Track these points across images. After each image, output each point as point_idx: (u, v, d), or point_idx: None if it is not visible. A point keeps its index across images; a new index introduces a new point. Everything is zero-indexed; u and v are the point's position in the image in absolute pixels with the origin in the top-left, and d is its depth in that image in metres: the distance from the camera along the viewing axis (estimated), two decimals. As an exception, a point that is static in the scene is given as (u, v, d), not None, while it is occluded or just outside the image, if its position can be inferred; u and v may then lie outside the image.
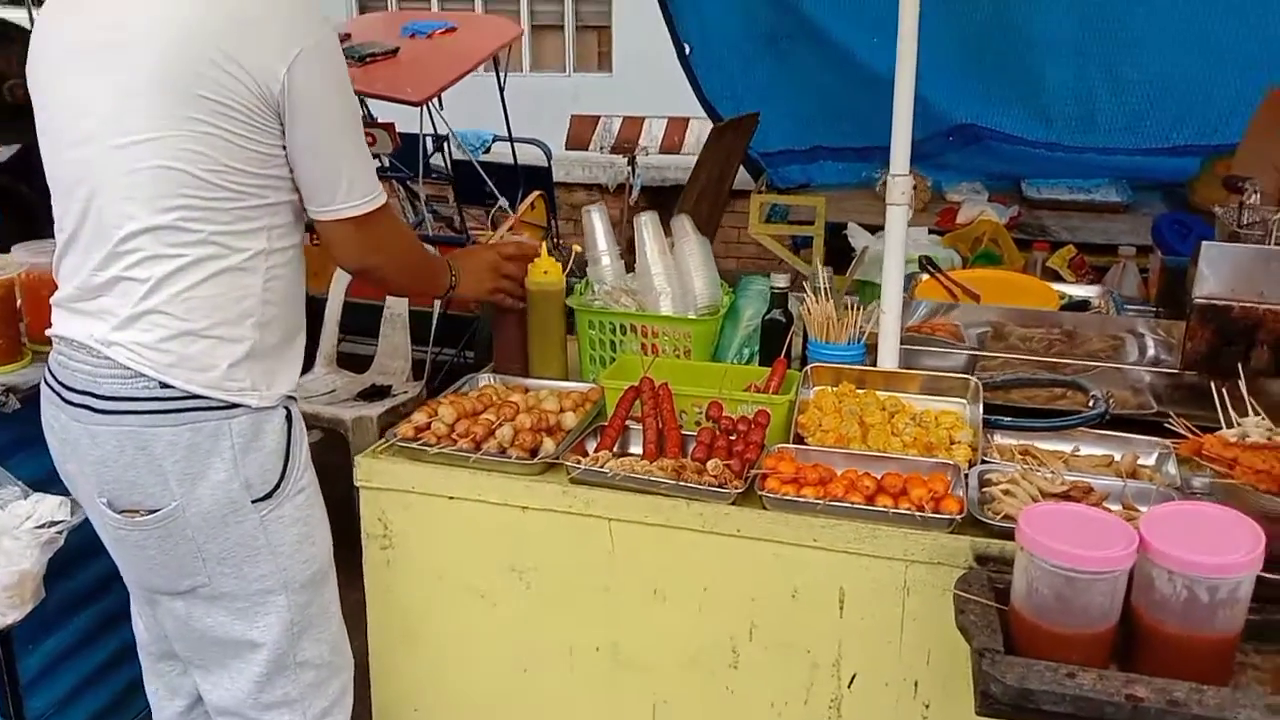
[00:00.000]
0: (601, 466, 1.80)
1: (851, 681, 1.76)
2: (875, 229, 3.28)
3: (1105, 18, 3.40)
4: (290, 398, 1.72)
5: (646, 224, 2.21)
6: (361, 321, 3.71)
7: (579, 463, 1.81)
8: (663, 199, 6.61)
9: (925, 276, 2.63)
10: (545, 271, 2.18)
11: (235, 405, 1.61)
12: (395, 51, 4.20)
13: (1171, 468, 1.84)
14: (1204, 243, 1.89)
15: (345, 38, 4.24)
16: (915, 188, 3.94)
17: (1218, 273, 1.89)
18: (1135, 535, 1.35)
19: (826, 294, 2.15)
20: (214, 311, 1.58)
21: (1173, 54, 3.43)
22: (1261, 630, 1.45)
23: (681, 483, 1.73)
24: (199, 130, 1.50)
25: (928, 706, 1.74)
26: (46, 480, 2.13)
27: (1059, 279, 3.28)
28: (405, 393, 3.56)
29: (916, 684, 1.73)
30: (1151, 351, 2.36)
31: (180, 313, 1.56)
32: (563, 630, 1.90)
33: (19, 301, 2.17)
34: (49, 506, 2.05)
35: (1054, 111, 3.75)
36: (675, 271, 2.25)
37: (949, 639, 1.66)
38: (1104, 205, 3.95)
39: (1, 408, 2.04)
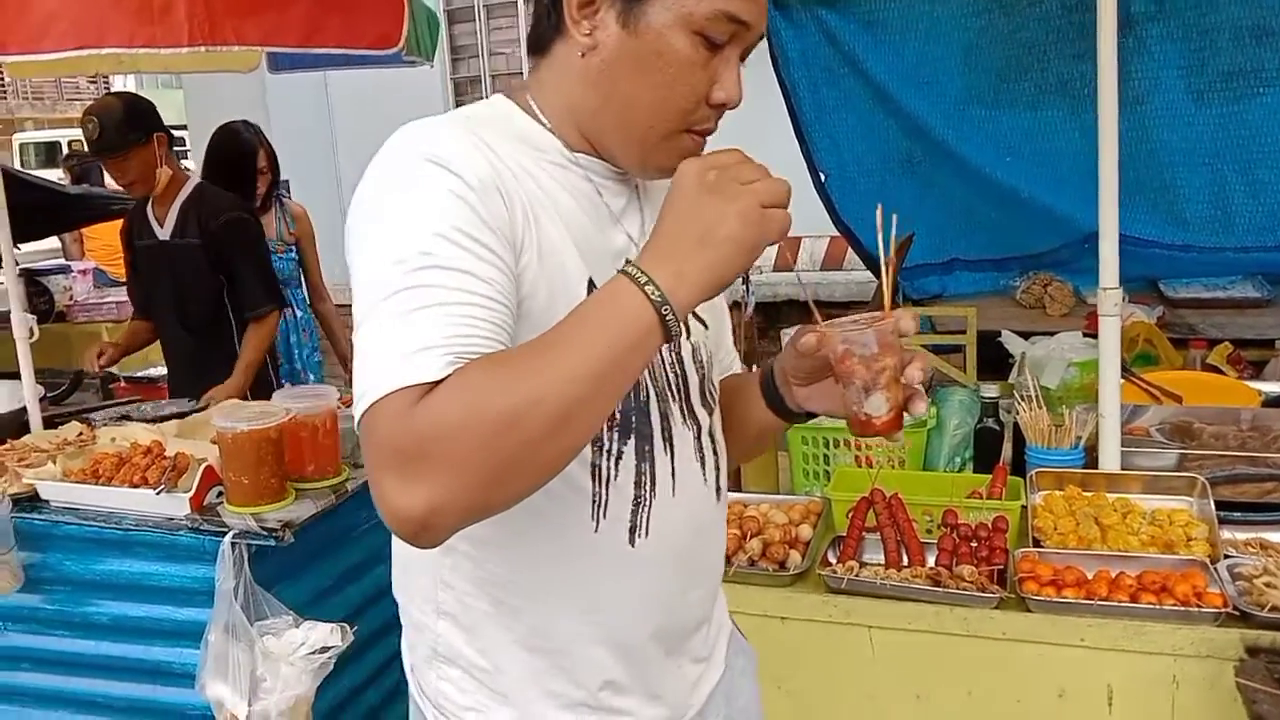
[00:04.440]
0: (859, 576, 1.90)
1: (1123, 779, 1.80)
2: (1026, 335, 3.40)
3: (1238, 126, 3.54)
4: None
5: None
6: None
7: (835, 572, 1.92)
8: (772, 314, 6.79)
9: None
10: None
11: None
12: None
13: None
14: None
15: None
16: (1058, 293, 4.07)
17: None
18: None
19: (1038, 401, 2.26)
20: None
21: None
22: None
23: (945, 588, 1.82)
24: None
25: (1203, 802, 1.76)
26: (307, 605, 2.30)
27: (1221, 375, 3.34)
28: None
29: (1191, 779, 1.76)
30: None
31: None
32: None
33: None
34: (321, 633, 2.20)
35: (1190, 214, 3.84)
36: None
37: (1222, 732, 1.71)
38: (1244, 301, 4.00)
39: (279, 541, 2.22)
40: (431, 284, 0.94)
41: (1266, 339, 3.59)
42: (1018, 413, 2.27)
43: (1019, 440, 2.36)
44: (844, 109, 3.96)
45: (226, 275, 3.51)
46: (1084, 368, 2.92)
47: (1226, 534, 2.02)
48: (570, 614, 1.18)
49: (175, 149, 3.57)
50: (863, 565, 2.01)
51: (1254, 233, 3.86)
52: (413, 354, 0.90)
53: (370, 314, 0.95)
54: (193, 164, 7.45)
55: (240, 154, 4.07)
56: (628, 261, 0.97)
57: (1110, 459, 2.14)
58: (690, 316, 1.23)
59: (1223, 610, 1.70)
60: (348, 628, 2.21)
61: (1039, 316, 4.06)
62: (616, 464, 1.16)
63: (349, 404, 2.38)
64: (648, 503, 1.18)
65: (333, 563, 2.50)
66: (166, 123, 3.48)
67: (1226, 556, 1.90)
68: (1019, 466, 2.30)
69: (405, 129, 1.07)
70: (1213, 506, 2.02)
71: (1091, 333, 3.71)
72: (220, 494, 2.36)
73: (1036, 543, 2.00)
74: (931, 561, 1.97)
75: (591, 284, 1.11)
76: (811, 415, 1.30)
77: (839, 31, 3.78)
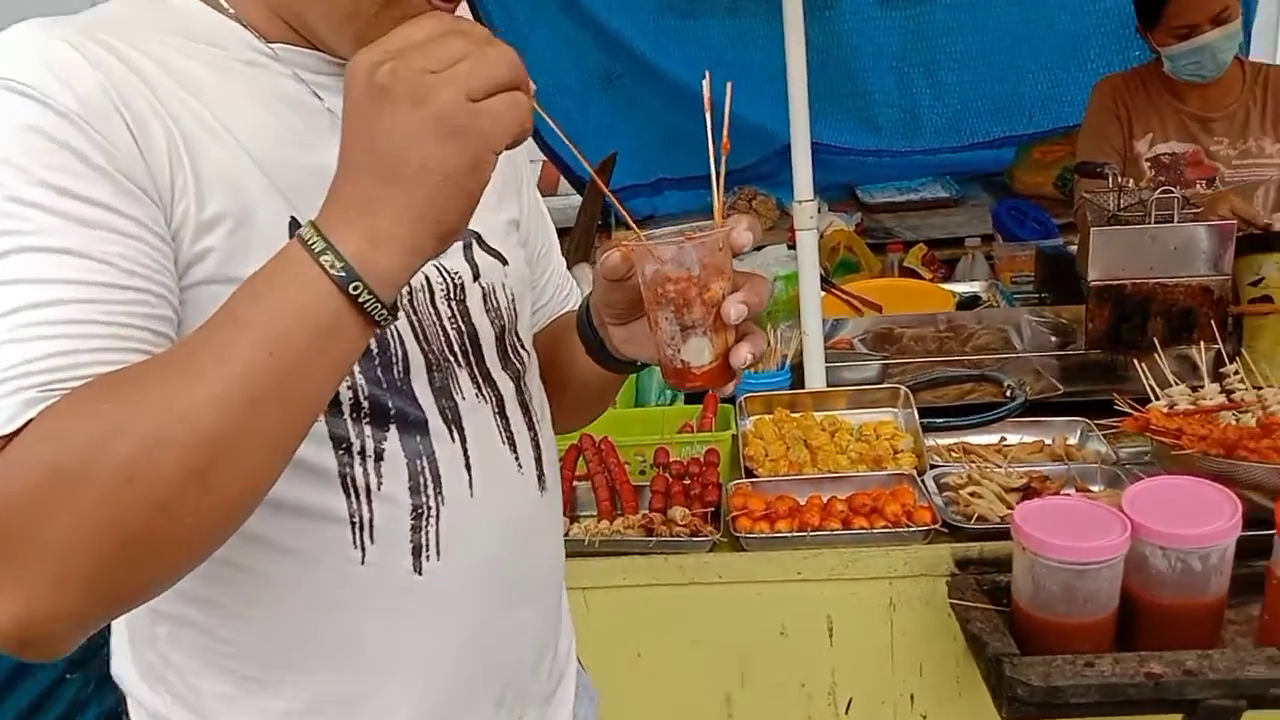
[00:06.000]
0: (567, 535, 1.73)
1: (849, 706, 1.75)
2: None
3: (921, 29, 3.61)
4: None
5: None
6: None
7: (541, 534, 1.73)
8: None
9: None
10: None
11: None
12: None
13: (1097, 444, 1.93)
14: (1093, 229, 2.01)
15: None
16: (762, 207, 4.07)
17: (1107, 255, 2.01)
18: (1126, 519, 1.40)
19: (744, 324, 2.16)
20: None
21: (985, 55, 3.66)
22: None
23: (658, 536, 1.68)
24: None
25: (925, 717, 1.75)
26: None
27: (917, 276, 3.44)
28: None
29: (912, 697, 1.74)
30: (1031, 335, 2.50)
31: None
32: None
33: None
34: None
35: (881, 119, 3.93)
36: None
37: (938, 648, 1.70)
38: (935, 202, 4.16)
39: None
40: (2, 279, 0.66)
41: (957, 237, 3.73)
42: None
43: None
44: (535, 21, 3.72)
45: None
46: (789, 280, 2.88)
47: (931, 441, 2.01)
48: (348, 680, 0.89)
49: None
50: (575, 520, 1.85)
51: (940, 134, 3.99)
52: None
53: None
54: None
55: None
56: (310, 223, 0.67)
57: (816, 377, 2.08)
58: (475, 250, 0.95)
59: (931, 527, 1.66)
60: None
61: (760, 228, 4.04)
62: (377, 467, 0.86)
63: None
64: (433, 512, 0.88)
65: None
66: None
67: (933, 466, 1.87)
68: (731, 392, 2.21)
69: None
70: (916, 415, 2.00)
71: (795, 245, 3.74)
72: None
73: (749, 472, 1.90)
74: (646, 507, 1.83)
75: (296, 225, 0.80)
76: (641, 364, 0.99)
77: (523, -66, 3.54)
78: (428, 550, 0.89)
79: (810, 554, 1.67)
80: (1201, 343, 1.85)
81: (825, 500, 1.75)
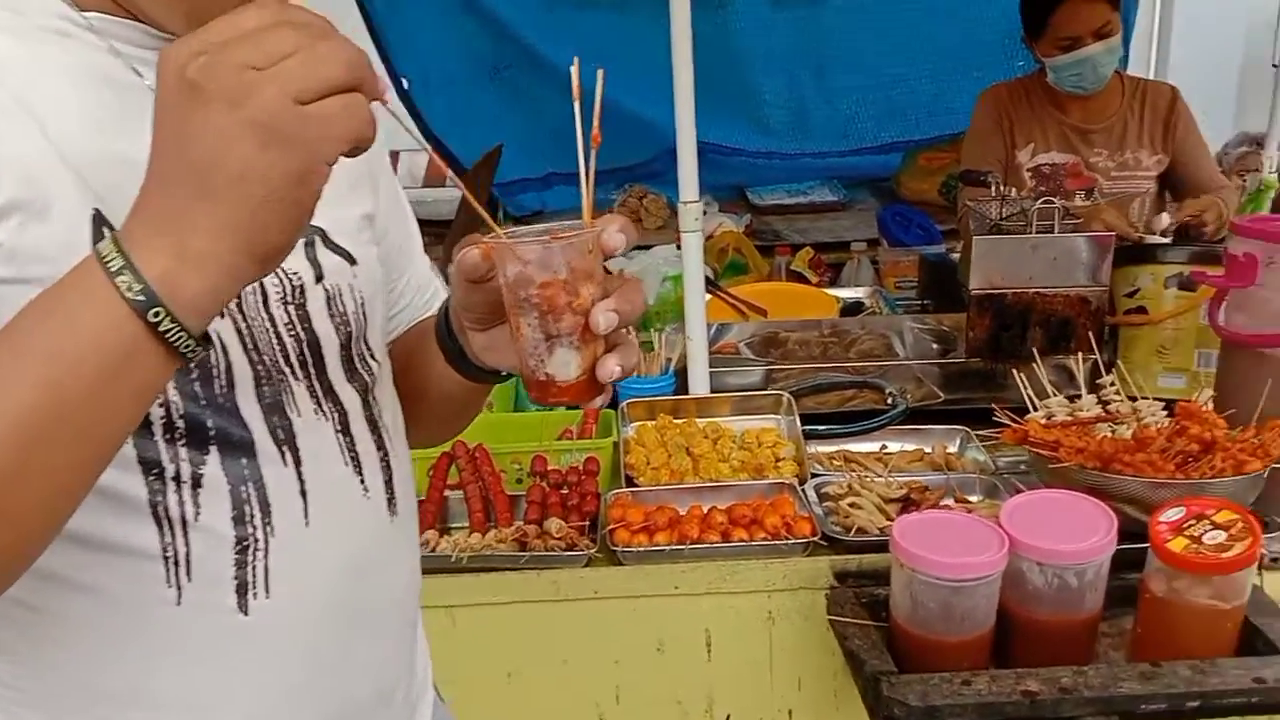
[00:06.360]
0: (434, 550, 1.63)
1: (726, 723, 1.70)
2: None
3: (812, 31, 3.61)
4: None
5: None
6: None
7: (407, 548, 1.63)
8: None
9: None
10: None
11: None
12: None
13: (976, 453, 1.93)
14: (975, 237, 2.01)
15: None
16: (652, 206, 4.01)
17: (989, 264, 2.00)
18: (1003, 534, 1.38)
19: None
20: None
21: (874, 60, 3.69)
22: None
23: (532, 550, 1.60)
24: None
25: (803, 733, 1.71)
26: None
27: (804, 280, 3.43)
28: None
29: (791, 712, 1.70)
30: (913, 341, 2.50)
31: None
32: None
33: None
34: None
35: (771, 121, 3.93)
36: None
37: (817, 662, 1.66)
38: (823, 205, 4.18)
39: None
40: None
41: (843, 241, 3.74)
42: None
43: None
44: (421, 8, 3.60)
45: None
46: (677, 281, 2.84)
47: (813, 449, 1.98)
48: None
49: None
50: (445, 532, 1.75)
51: (829, 138, 4.02)
52: None
53: None
54: None
55: None
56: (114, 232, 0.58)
57: (700, 382, 2.03)
58: (319, 248, 0.84)
59: (811, 539, 1.62)
60: None
61: (636, 230, 3.98)
62: (195, 495, 0.76)
63: None
64: (260, 545, 0.79)
65: None
66: None
67: (814, 474, 1.84)
68: (614, 397, 2.14)
69: None
70: (798, 423, 1.96)
71: (685, 244, 3.69)
72: None
73: (630, 481, 1.84)
74: (521, 518, 1.75)
75: (101, 221, 0.69)
76: (506, 374, 0.90)
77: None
78: (254, 587, 0.79)
79: (689, 567, 1.61)
80: (1079, 353, 1.86)
81: (706, 511, 1.70)
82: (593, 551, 1.61)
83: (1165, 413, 1.69)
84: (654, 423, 1.98)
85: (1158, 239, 2.30)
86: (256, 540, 0.79)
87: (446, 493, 1.80)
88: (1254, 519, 1.36)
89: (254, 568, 0.79)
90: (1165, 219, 2.32)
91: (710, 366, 2.11)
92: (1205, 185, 2.60)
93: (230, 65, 0.55)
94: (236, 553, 0.78)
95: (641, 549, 1.61)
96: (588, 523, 1.71)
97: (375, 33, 3.56)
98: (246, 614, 0.79)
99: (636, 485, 1.82)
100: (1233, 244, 1.72)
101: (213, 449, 0.76)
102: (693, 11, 1.90)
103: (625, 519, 1.66)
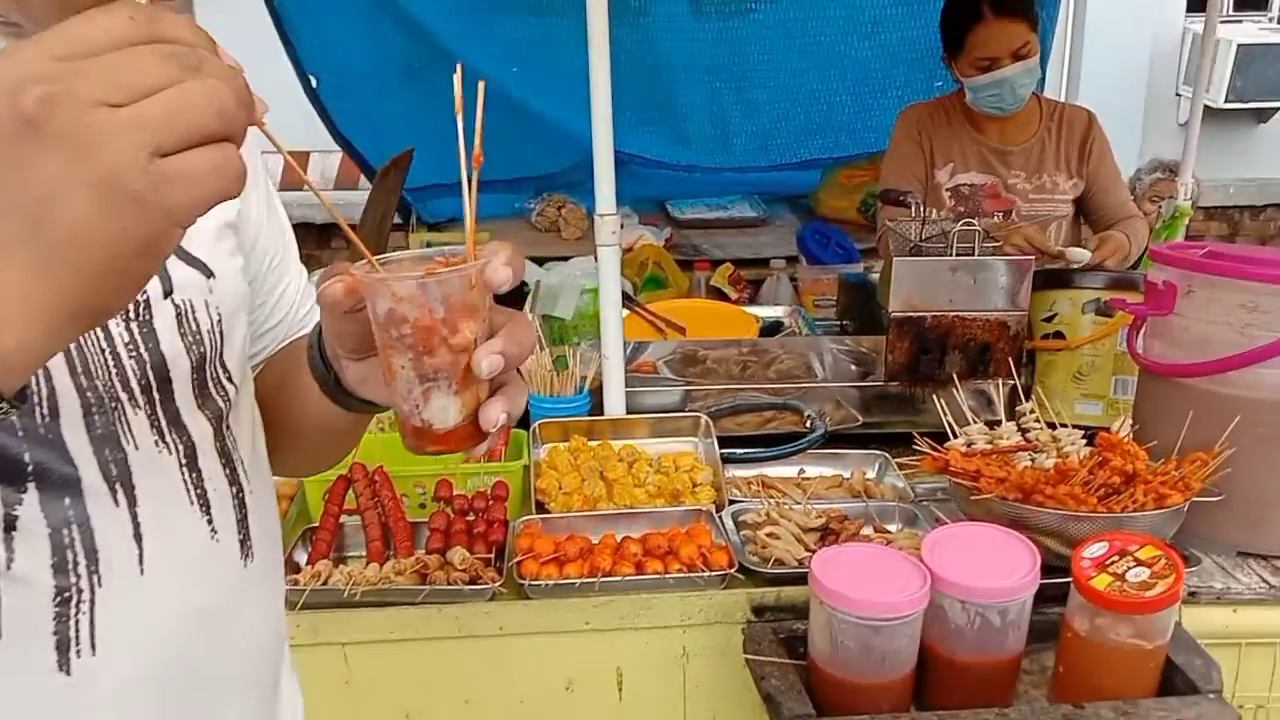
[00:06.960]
0: (327, 583, 1.52)
1: (637, 764, 1.62)
2: (541, 261, 3.19)
3: (733, 43, 3.57)
4: None
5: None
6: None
7: (296, 583, 1.52)
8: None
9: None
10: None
11: None
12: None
13: (895, 479, 1.89)
14: (895, 258, 1.97)
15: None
16: (572, 216, 3.93)
17: (908, 286, 1.97)
18: (925, 569, 1.33)
19: (541, 342, 2.01)
20: None
21: (795, 75, 3.66)
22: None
23: (433, 583, 1.50)
24: None
25: (717, 772, 1.64)
26: None
27: (724, 296, 3.38)
28: None
29: (704, 752, 1.63)
30: (833, 363, 2.45)
31: None
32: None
33: None
34: None
35: (692, 134, 3.87)
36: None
37: (733, 698, 1.59)
38: (743, 220, 4.14)
39: None
40: None
41: (763, 258, 3.70)
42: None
43: (525, 385, 2.10)
44: (332, 4, 3.46)
45: None
46: (595, 294, 2.75)
47: (731, 473, 1.92)
48: None
49: None
50: (340, 562, 1.64)
51: (749, 153, 3.98)
52: None
53: None
54: None
55: None
56: None
57: (615, 402, 1.95)
58: (170, 259, 0.74)
59: (727, 571, 1.55)
60: None
61: (554, 240, 3.89)
62: (7, 539, 0.66)
63: None
64: (85, 596, 0.70)
65: None
66: None
67: (732, 501, 1.78)
68: (526, 417, 2.05)
69: None
70: (716, 446, 1.90)
71: (603, 256, 3.61)
72: None
73: (541, 506, 1.75)
74: (422, 547, 1.65)
75: None
76: (379, 406, 0.81)
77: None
78: (78, 644, 0.70)
79: (600, 602, 1.53)
80: (998, 378, 1.83)
81: (619, 539, 1.62)
82: (498, 585, 1.52)
83: (1084, 441, 1.67)
84: (567, 445, 1.89)
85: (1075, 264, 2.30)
86: (80, 591, 0.70)
87: (342, 519, 1.69)
88: (1177, 555, 1.34)
89: (77, 621, 0.70)
90: (1084, 254, 2.31)
91: (627, 386, 2.03)
92: (1116, 213, 2.61)
93: (77, 102, 0.45)
94: (57, 605, 0.69)
95: (550, 582, 1.52)
96: (494, 552, 1.62)
97: (282, 28, 3.41)
98: (68, 673, 0.70)
99: (547, 511, 1.73)
100: (1152, 271, 1.71)
101: (30, 487, 0.67)
102: (612, 20, 1.83)
103: (534, 549, 1.57)
